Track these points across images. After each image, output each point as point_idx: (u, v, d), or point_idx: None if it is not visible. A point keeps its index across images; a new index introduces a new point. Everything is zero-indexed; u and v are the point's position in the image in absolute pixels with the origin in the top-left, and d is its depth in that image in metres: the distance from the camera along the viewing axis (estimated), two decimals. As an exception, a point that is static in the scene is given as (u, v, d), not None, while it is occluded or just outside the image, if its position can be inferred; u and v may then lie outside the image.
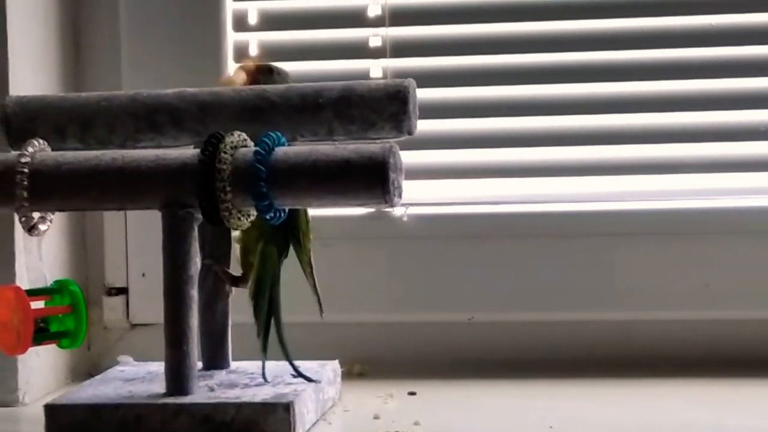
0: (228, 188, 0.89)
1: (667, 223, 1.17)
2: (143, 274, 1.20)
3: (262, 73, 1.00)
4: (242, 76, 0.99)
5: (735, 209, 1.17)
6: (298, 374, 0.98)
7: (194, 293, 0.93)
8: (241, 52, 1.20)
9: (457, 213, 1.20)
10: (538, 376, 1.14)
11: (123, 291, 1.21)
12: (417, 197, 1.18)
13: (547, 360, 1.18)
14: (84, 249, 1.21)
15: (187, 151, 0.93)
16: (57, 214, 0.97)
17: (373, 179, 0.88)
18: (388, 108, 0.95)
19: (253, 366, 1.02)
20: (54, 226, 0.97)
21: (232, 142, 0.91)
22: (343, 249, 1.19)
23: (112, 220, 1.20)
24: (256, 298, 0.99)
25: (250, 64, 1.00)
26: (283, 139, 0.92)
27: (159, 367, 0.96)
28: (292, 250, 1.00)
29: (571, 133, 1.19)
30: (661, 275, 1.17)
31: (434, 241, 1.19)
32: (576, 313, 1.18)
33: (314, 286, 1.00)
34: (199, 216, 0.92)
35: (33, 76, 1.12)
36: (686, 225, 1.17)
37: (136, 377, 1.01)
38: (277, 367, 1.01)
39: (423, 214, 1.19)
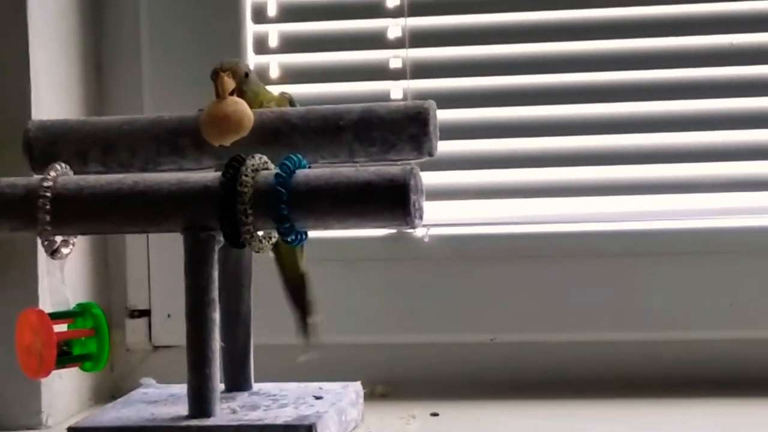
0: (249, 211, 0.89)
1: (691, 243, 1.16)
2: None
3: (240, 80, 0.98)
4: (230, 83, 0.97)
5: (760, 228, 1.16)
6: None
7: (216, 316, 0.93)
8: (260, 45, 1.21)
9: (479, 233, 1.20)
10: (561, 397, 1.13)
11: (145, 313, 1.21)
12: (438, 218, 1.18)
13: (571, 381, 1.17)
14: (106, 271, 1.22)
15: (209, 174, 0.93)
16: (79, 237, 0.97)
17: (394, 201, 0.88)
18: (409, 129, 0.95)
19: (275, 388, 1.02)
20: (76, 249, 0.97)
21: (253, 164, 0.91)
22: (365, 270, 1.19)
23: (134, 242, 1.20)
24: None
25: (228, 66, 0.98)
26: (304, 162, 0.92)
27: (181, 389, 0.96)
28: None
29: (595, 153, 1.19)
30: (685, 295, 1.16)
31: (456, 261, 1.19)
32: (600, 333, 1.18)
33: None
34: (221, 239, 0.92)
35: (55, 100, 1.13)
36: (711, 245, 1.16)
37: (158, 400, 1.01)
38: (299, 388, 1.01)
39: (444, 234, 1.19)
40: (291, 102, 1.02)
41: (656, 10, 1.17)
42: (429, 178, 0.94)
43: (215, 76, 0.96)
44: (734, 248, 1.16)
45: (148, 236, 1.19)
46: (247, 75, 0.98)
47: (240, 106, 0.96)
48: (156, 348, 1.22)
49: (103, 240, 1.20)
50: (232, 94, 0.96)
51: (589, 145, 1.19)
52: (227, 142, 0.96)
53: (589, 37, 1.18)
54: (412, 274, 1.19)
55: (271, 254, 0.99)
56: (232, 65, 0.97)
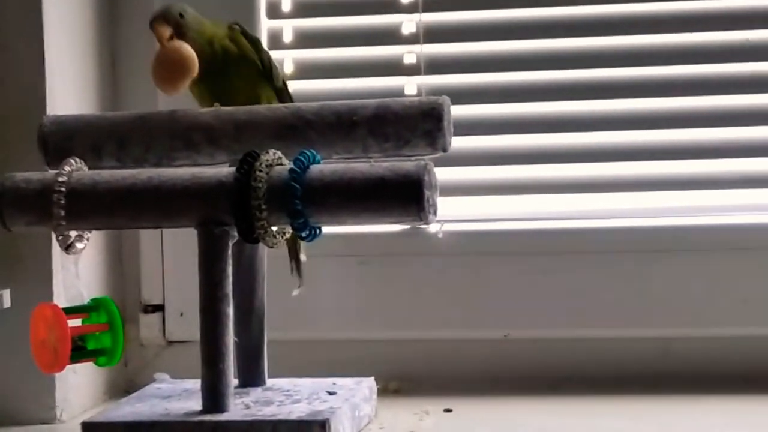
0: (263, 206, 0.89)
1: (704, 239, 1.16)
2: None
3: (176, 23, 0.98)
4: (165, 29, 0.97)
5: (774, 225, 1.16)
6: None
7: (230, 311, 0.93)
8: (275, 40, 1.21)
9: (492, 229, 1.20)
10: (574, 393, 1.13)
11: (159, 308, 1.22)
12: (452, 214, 1.18)
13: (584, 377, 1.17)
14: (120, 266, 1.22)
15: (223, 170, 0.93)
16: (93, 232, 0.97)
17: (407, 197, 0.88)
18: (423, 125, 0.95)
19: (288, 383, 1.02)
20: (91, 243, 0.97)
21: (267, 160, 0.91)
22: (378, 266, 1.19)
23: (148, 237, 1.21)
24: None
25: (158, 13, 0.98)
26: (318, 157, 0.92)
27: (195, 384, 0.96)
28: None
29: (609, 150, 1.18)
30: (698, 291, 1.16)
31: (469, 257, 1.19)
32: (613, 329, 1.17)
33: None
34: (235, 234, 0.92)
35: (70, 96, 1.13)
36: (724, 241, 1.16)
37: (172, 395, 1.01)
38: (313, 384, 1.01)
39: (458, 230, 1.19)
40: (244, 33, 1.01)
41: (672, 6, 1.17)
42: (443, 174, 0.94)
43: (150, 27, 0.97)
44: (749, 245, 1.16)
45: (161, 231, 1.19)
46: (181, 15, 0.98)
47: (179, 48, 0.96)
48: (170, 343, 1.22)
49: (118, 234, 1.21)
50: (171, 38, 0.97)
51: (604, 142, 1.19)
52: (178, 88, 0.97)
53: (605, 33, 1.18)
54: (425, 270, 1.19)
55: None
56: (162, 11, 0.97)
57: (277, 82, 1.02)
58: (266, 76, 1.01)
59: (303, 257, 1.04)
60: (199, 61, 0.97)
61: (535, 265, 1.18)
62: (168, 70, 0.97)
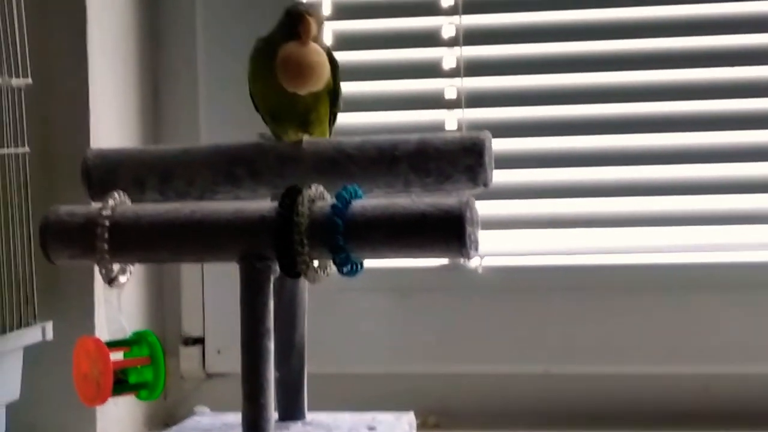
0: (305, 241, 0.89)
1: (747, 276, 1.15)
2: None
3: (322, 23, 0.94)
4: (315, 28, 0.92)
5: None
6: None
7: (271, 346, 0.93)
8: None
9: (533, 264, 1.20)
10: (614, 429, 1.13)
11: (199, 341, 1.22)
12: (492, 248, 1.18)
13: (624, 413, 1.17)
14: (161, 299, 1.22)
15: (265, 204, 0.93)
16: (136, 265, 0.98)
17: (449, 233, 0.88)
18: (464, 160, 0.95)
19: (328, 418, 1.02)
20: (132, 277, 0.98)
21: (309, 195, 0.91)
22: (419, 300, 1.19)
23: (189, 270, 1.21)
24: None
25: (314, 11, 0.93)
26: (360, 192, 0.92)
27: (235, 417, 0.96)
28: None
29: (649, 184, 1.18)
30: (739, 329, 1.15)
31: (509, 292, 1.19)
32: (654, 366, 1.17)
33: None
34: (277, 269, 0.92)
35: (113, 129, 1.14)
36: (766, 278, 1.15)
37: (212, 428, 1.01)
38: (352, 418, 1.01)
39: (498, 265, 1.19)
40: (329, 52, 0.96)
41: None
42: (483, 207, 0.93)
43: (299, 18, 0.92)
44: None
45: (202, 264, 1.20)
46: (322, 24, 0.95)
47: (322, 58, 0.93)
48: (209, 376, 1.22)
49: (159, 268, 1.21)
50: (315, 40, 0.93)
51: (645, 177, 1.18)
52: (303, 92, 0.94)
53: (639, 68, 1.18)
54: (465, 304, 1.19)
55: None
56: (317, 11, 0.93)
57: (337, 108, 1.01)
58: (333, 98, 1.00)
59: None
60: None
61: (576, 301, 1.17)
62: (307, 73, 0.93)
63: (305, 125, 0.97)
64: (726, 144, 1.17)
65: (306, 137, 0.96)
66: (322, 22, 0.95)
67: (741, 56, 1.17)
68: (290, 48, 0.93)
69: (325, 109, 0.98)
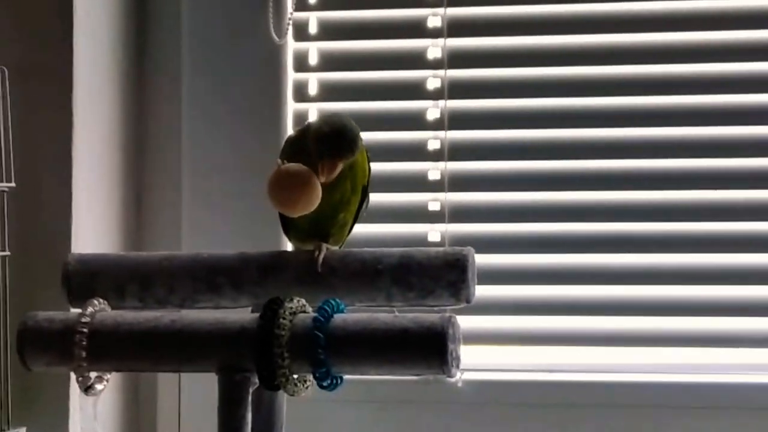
0: (286, 354, 0.89)
1: (726, 397, 1.15)
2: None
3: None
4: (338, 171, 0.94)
5: None
6: None
7: (248, 459, 0.92)
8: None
9: (513, 380, 1.19)
10: None
11: (174, 452, 1.21)
12: (472, 363, 1.17)
13: None
14: (137, 406, 1.21)
15: (246, 316, 0.93)
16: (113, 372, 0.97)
17: (431, 350, 0.87)
18: (447, 276, 0.95)
19: None
20: (108, 383, 0.97)
21: (291, 308, 0.91)
22: (398, 413, 1.18)
23: (165, 377, 1.20)
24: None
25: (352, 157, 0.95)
26: (342, 306, 0.92)
27: None
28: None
29: (633, 303, 1.18)
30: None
31: (489, 406, 1.18)
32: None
33: None
34: (256, 380, 0.91)
35: (95, 233, 1.14)
36: (746, 399, 1.14)
37: None
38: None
39: (478, 379, 1.18)
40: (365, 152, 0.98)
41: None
42: (464, 322, 0.93)
43: (332, 159, 0.93)
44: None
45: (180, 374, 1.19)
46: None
47: (319, 190, 0.94)
48: (184, 487, 1.21)
49: (135, 375, 1.20)
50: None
51: (630, 295, 1.18)
52: (295, 214, 0.94)
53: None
54: (445, 418, 1.18)
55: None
56: (356, 149, 0.94)
57: (368, 190, 1.00)
58: (361, 202, 1.00)
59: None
60: None
61: (555, 418, 1.16)
62: (308, 202, 0.93)
63: (326, 236, 0.98)
64: (699, 263, 1.18)
65: (326, 247, 0.96)
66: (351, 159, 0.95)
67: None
68: (295, 171, 0.93)
69: (351, 216, 0.99)
